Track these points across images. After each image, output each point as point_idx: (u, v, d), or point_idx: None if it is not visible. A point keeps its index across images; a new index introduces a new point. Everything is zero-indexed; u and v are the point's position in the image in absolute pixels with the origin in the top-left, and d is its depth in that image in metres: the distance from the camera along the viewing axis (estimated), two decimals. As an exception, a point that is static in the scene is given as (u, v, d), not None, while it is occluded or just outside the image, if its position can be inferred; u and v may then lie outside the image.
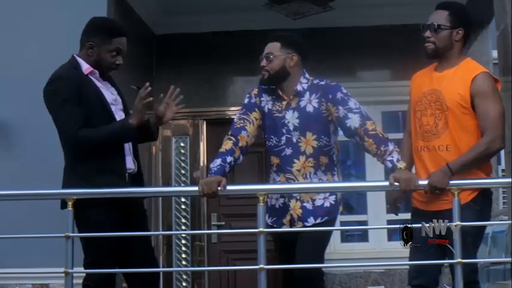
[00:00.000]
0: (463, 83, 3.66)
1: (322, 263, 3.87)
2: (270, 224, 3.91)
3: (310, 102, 3.89)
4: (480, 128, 3.63)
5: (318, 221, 3.83)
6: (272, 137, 3.92)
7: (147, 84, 3.65)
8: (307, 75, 3.97)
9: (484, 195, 3.67)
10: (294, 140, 3.87)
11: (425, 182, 3.55)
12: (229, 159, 3.77)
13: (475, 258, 3.66)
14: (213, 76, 7.08)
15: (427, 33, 3.75)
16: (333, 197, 3.88)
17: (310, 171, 3.86)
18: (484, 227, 3.87)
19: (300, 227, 3.83)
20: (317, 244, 3.80)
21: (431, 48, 3.75)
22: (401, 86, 6.34)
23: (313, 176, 3.86)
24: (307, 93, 3.91)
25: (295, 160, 3.86)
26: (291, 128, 3.88)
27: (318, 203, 3.86)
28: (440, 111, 3.69)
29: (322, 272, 3.86)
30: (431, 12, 3.89)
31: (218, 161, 3.75)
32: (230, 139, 3.85)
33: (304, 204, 3.85)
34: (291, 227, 3.87)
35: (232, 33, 6.98)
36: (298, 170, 3.86)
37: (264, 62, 3.93)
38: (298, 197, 3.85)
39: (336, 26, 6.75)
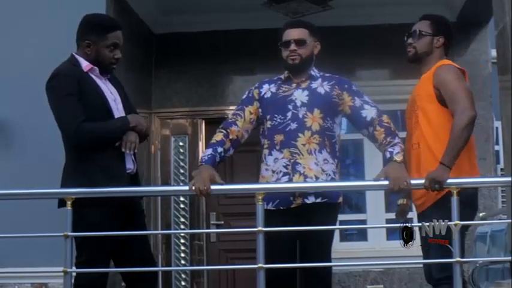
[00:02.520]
0: (427, 80, 3.81)
1: (330, 261, 3.84)
2: (273, 208, 3.77)
3: (322, 86, 3.90)
4: (451, 112, 3.67)
5: (318, 200, 3.76)
6: (276, 115, 3.86)
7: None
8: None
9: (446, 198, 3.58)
10: (300, 115, 3.83)
11: (419, 181, 3.57)
12: (219, 149, 3.79)
13: None
14: (212, 75, 7.07)
15: (410, 40, 3.94)
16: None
17: (315, 147, 3.78)
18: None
19: (299, 204, 3.75)
20: (323, 245, 3.79)
21: (412, 52, 3.93)
22: (400, 85, 6.39)
23: (318, 153, 3.79)
24: (320, 79, 3.93)
25: (300, 134, 3.80)
26: (298, 104, 3.85)
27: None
28: (414, 112, 3.84)
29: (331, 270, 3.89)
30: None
31: (209, 151, 3.78)
32: (221, 131, 3.87)
33: (308, 180, 3.76)
34: (294, 200, 3.78)
35: (231, 32, 6.97)
36: (303, 145, 3.78)
37: (294, 46, 3.88)
38: (302, 172, 3.77)
39: (335, 25, 6.75)
